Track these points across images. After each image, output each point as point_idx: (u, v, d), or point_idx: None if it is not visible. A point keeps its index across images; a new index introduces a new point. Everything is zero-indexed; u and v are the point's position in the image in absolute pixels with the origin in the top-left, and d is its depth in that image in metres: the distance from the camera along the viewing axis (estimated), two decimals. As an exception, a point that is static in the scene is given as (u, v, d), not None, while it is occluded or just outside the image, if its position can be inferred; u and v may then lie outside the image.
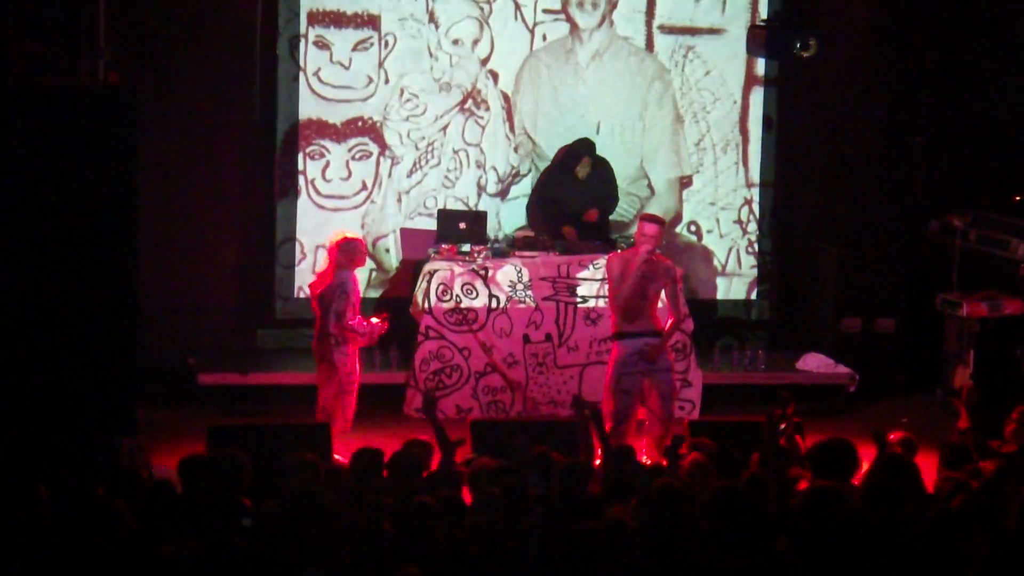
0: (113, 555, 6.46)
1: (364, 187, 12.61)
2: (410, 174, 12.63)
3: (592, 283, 11.55)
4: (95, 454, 8.50)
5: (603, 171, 12.28)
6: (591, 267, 11.62)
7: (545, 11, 12.72)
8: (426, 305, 11.46)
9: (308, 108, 12.49)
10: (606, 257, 10.61)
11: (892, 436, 8.31)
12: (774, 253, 13.13)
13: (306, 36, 12.43)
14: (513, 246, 11.96)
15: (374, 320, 10.32)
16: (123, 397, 10.39)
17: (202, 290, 12.26)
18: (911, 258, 12.73)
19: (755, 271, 13.14)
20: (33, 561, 6.48)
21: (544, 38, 12.75)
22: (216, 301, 12.32)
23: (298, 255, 12.43)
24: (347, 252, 10.27)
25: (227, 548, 6.33)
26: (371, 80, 12.54)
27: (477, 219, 11.91)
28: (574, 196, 12.11)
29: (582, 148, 12.16)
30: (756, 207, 13.09)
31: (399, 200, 12.65)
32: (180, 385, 11.57)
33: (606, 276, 10.29)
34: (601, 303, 11.44)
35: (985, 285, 12.04)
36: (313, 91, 12.48)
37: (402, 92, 12.58)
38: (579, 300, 11.56)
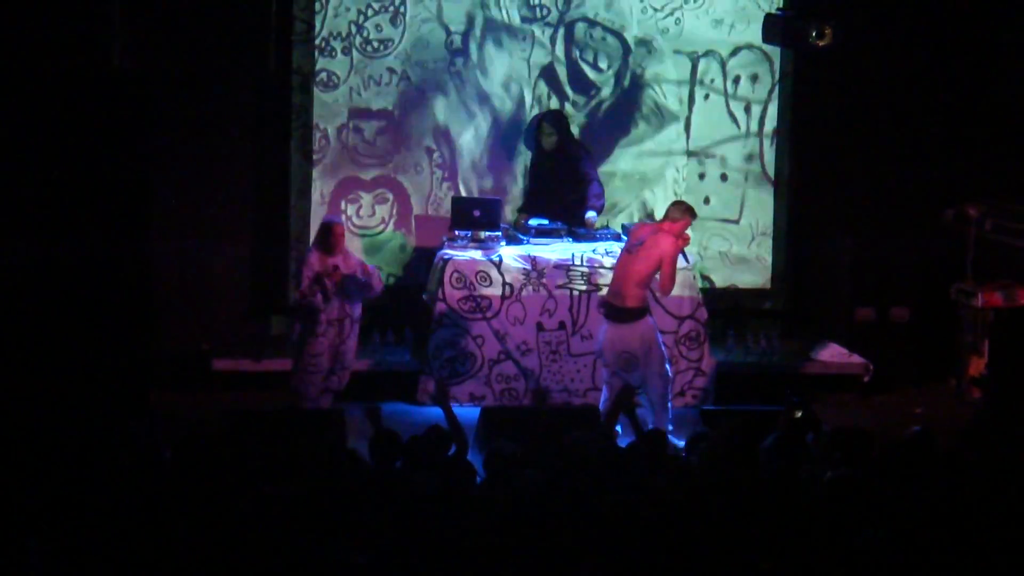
0: (131, 536, 6.48)
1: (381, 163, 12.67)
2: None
3: (606, 271, 11.53)
4: (110, 438, 8.50)
5: (575, 149, 12.26)
6: (605, 255, 11.61)
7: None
8: (440, 293, 11.46)
9: (320, 107, 12.54)
10: (644, 232, 10.56)
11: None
12: (789, 242, 13.09)
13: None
14: (527, 234, 11.96)
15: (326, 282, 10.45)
16: (138, 382, 10.44)
17: (216, 276, 12.27)
18: (926, 247, 12.69)
19: (770, 260, 13.11)
20: (51, 540, 6.50)
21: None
22: (230, 287, 12.33)
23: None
24: (319, 234, 10.62)
25: (260, 532, 6.35)
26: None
27: (491, 206, 11.90)
28: (545, 168, 12.15)
29: (544, 116, 12.26)
30: (772, 195, 13.06)
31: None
32: (194, 371, 11.59)
33: (662, 252, 10.27)
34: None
35: (1000, 274, 12.01)
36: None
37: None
38: (593, 288, 11.55)
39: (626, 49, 12.80)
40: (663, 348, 10.55)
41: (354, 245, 12.37)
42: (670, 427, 10.26)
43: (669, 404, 10.51)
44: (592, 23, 12.76)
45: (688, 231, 10.48)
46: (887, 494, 7.01)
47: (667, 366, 10.52)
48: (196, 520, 6.64)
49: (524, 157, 12.70)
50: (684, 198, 12.73)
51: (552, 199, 12.19)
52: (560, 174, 12.20)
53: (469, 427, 8.92)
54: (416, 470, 7.30)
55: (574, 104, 12.77)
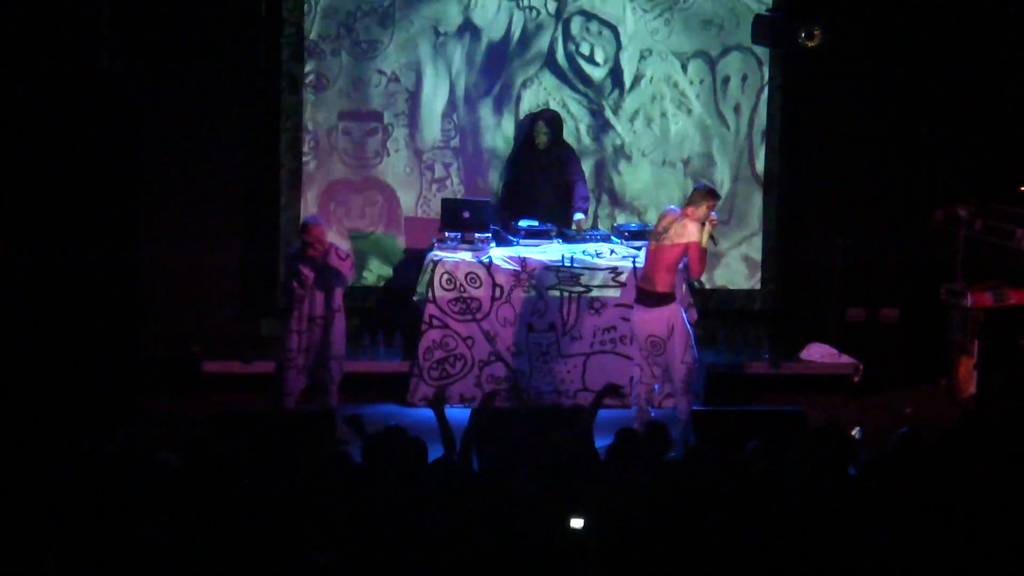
0: (114, 539, 6.48)
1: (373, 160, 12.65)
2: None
3: (596, 272, 11.55)
4: (98, 441, 8.50)
5: (567, 152, 12.33)
6: (595, 256, 11.62)
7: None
8: (430, 294, 11.46)
9: (310, 109, 12.55)
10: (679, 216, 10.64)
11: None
12: (779, 243, 13.11)
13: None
14: (517, 235, 11.96)
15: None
16: (127, 385, 10.43)
17: (206, 279, 12.27)
18: (916, 248, 12.71)
19: (760, 261, 13.12)
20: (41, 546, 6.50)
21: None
22: (220, 290, 12.33)
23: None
24: (301, 233, 10.67)
25: (232, 532, 6.35)
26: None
27: (481, 208, 11.91)
28: (537, 167, 12.17)
29: (541, 114, 12.30)
30: (761, 196, 13.07)
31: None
32: (184, 373, 11.58)
33: (688, 238, 10.45)
34: (607, 292, 11.47)
35: (990, 275, 12.03)
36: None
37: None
38: (583, 289, 11.56)
39: (620, 45, 12.80)
40: (689, 335, 10.56)
41: (343, 247, 12.37)
42: (690, 410, 10.39)
43: (692, 393, 10.61)
44: (588, 17, 12.77)
45: (713, 213, 10.53)
46: (875, 494, 7.03)
47: (693, 352, 10.56)
48: (186, 521, 6.63)
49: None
50: (674, 199, 12.77)
51: (536, 196, 12.21)
52: (547, 172, 12.23)
53: (458, 429, 8.90)
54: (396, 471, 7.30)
55: (567, 102, 12.75)
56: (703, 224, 10.43)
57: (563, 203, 12.23)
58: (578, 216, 12.11)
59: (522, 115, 12.71)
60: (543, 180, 12.25)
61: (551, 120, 12.32)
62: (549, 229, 11.98)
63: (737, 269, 13.10)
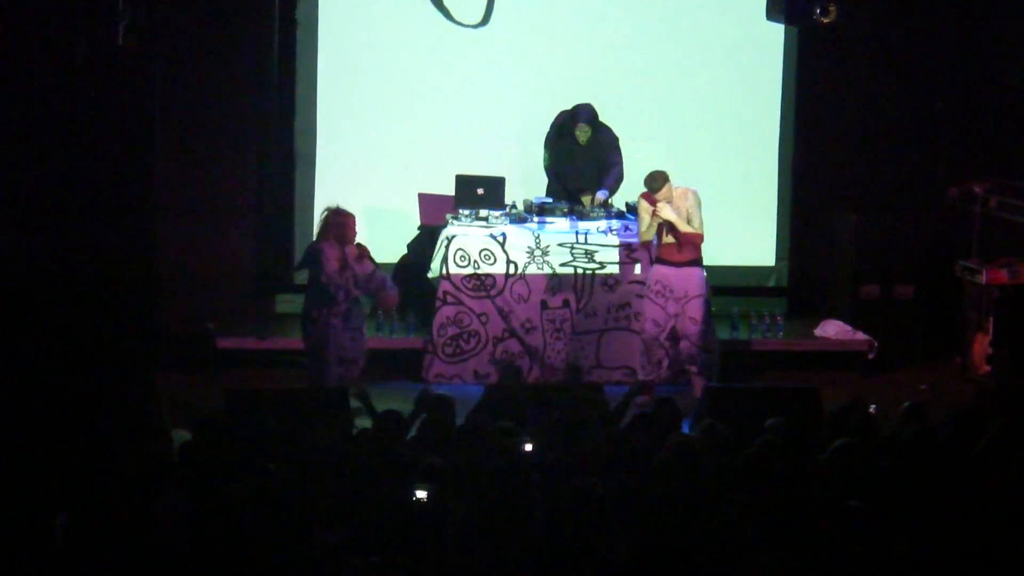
0: (126, 514, 6.51)
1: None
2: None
3: (609, 249, 11.54)
4: (113, 417, 8.54)
5: (606, 137, 12.22)
6: (608, 233, 11.62)
7: None
8: (444, 271, 11.47)
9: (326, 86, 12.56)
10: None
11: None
12: (793, 219, 13.09)
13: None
14: (531, 212, 11.95)
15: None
16: (142, 361, 10.47)
17: (221, 256, 12.29)
18: (930, 224, 12.68)
19: (774, 237, 13.11)
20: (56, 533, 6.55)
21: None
22: (235, 266, 12.35)
23: (317, 219, 12.42)
24: (332, 226, 10.43)
25: (241, 509, 6.38)
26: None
27: (495, 185, 11.89)
28: (576, 160, 12.10)
29: (579, 113, 12.10)
30: (776, 173, 13.05)
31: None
32: (199, 350, 11.60)
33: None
34: (621, 269, 11.47)
35: (1005, 251, 12.00)
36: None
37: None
38: (597, 266, 11.56)
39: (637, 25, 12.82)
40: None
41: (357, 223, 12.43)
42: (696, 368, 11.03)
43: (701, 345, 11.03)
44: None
45: (662, 204, 10.79)
46: (882, 468, 7.03)
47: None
48: (197, 497, 6.66)
49: (527, 136, 12.59)
50: (689, 176, 12.77)
51: (585, 179, 12.13)
52: (589, 157, 12.13)
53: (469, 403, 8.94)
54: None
55: (585, 81, 12.72)
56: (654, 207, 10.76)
57: (599, 184, 12.21)
58: (602, 192, 12.02)
59: (541, 92, 12.64)
60: (588, 166, 12.15)
61: (590, 119, 12.08)
62: (562, 206, 11.95)
63: (751, 246, 13.09)
